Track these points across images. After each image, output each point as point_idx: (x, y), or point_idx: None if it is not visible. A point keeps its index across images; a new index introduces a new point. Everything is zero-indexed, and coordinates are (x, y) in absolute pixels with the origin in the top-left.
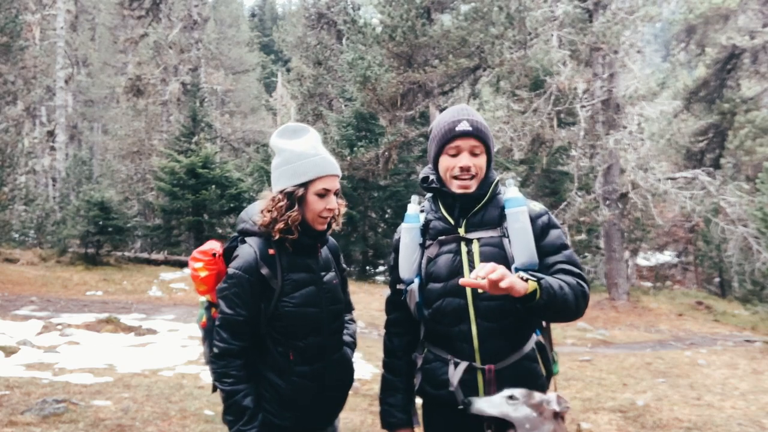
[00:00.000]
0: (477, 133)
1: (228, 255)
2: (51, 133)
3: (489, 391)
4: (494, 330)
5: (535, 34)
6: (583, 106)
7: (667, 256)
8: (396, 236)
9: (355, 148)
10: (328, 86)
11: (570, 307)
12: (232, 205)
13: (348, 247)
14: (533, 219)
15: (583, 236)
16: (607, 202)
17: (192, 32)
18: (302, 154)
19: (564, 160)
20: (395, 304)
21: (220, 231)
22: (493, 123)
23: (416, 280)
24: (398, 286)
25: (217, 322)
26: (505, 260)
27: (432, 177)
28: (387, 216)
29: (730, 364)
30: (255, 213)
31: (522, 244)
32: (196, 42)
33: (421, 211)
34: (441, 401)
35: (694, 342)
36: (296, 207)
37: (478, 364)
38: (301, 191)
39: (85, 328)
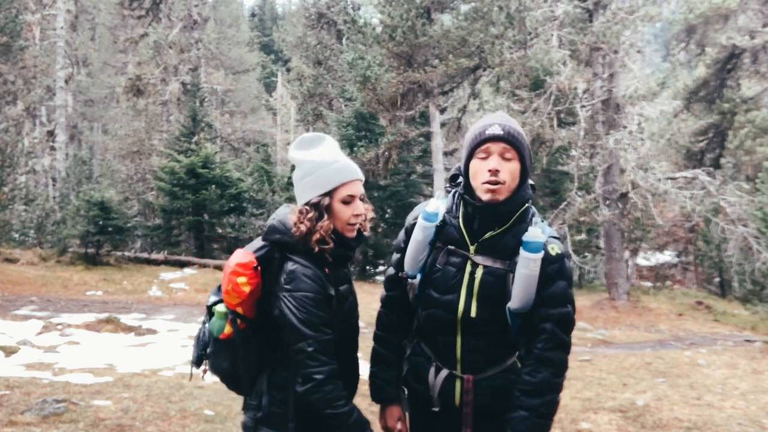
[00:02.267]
0: (508, 137)
1: (262, 265)
2: (51, 133)
3: (465, 399)
4: (479, 347)
5: (535, 34)
6: (583, 106)
7: (667, 256)
8: (411, 221)
9: (355, 148)
10: (328, 86)
11: (557, 405)
12: (232, 205)
13: None
14: (545, 263)
15: (583, 236)
16: (607, 202)
17: (192, 32)
18: (322, 163)
19: (564, 160)
20: (396, 282)
21: (220, 231)
22: None
23: (419, 276)
24: (401, 274)
25: (309, 348)
26: (502, 296)
27: (462, 180)
28: (387, 216)
29: (730, 364)
30: (291, 225)
31: (523, 290)
32: (196, 42)
33: (450, 190)
34: (421, 395)
35: (694, 342)
36: (326, 217)
37: (458, 373)
38: (326, 200)
39: (85, 328)
